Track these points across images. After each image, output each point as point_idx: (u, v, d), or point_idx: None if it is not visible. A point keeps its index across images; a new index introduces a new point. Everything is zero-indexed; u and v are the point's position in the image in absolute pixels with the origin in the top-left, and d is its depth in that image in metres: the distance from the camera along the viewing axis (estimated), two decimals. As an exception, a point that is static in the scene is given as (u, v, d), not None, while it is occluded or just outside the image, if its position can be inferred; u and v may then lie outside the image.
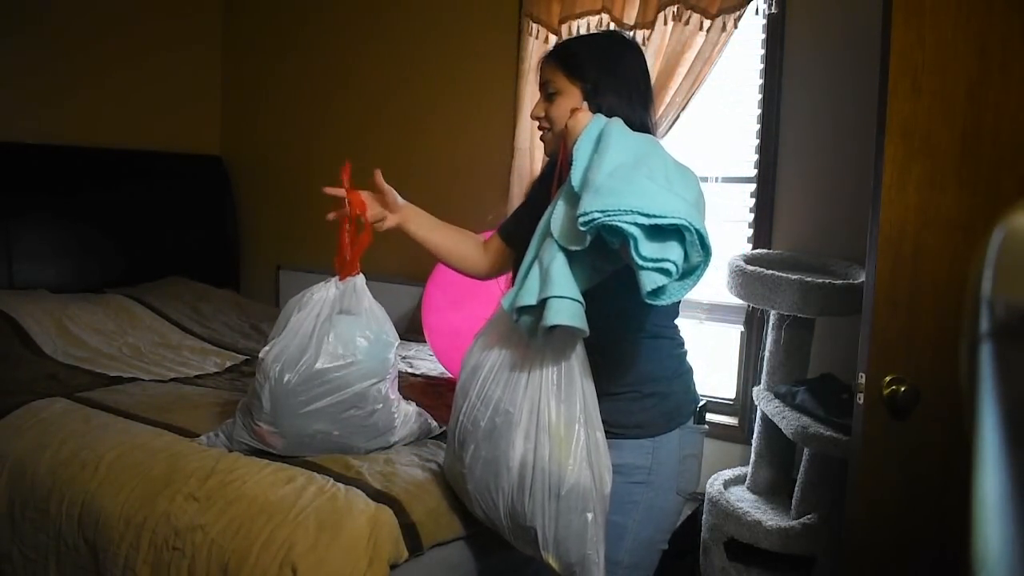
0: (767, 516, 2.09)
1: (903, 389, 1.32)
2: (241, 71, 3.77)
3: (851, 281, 2.04)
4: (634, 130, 1.29)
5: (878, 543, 1.42)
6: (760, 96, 2.45)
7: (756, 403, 2.23)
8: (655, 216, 1.06)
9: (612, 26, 2.49)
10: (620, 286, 1.26)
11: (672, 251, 1.08)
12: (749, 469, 2.30)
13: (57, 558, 1.73)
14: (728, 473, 2.35)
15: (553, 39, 2.61)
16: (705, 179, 2.59)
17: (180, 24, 3.60)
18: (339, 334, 1.62)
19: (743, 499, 2.21)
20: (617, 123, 1.25)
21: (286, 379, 1.59)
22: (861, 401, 1.37)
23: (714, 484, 2.26)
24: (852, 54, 2.26)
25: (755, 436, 2.27)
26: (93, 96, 3.28)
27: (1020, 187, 1.28)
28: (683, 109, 2.41)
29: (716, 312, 2.58)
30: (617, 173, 1.13)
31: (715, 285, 2.34)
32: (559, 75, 1.41)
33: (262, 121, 3.71)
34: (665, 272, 1.08)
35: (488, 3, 2.99)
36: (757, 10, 2.37)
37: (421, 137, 3.22)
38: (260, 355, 1.65)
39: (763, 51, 2.44)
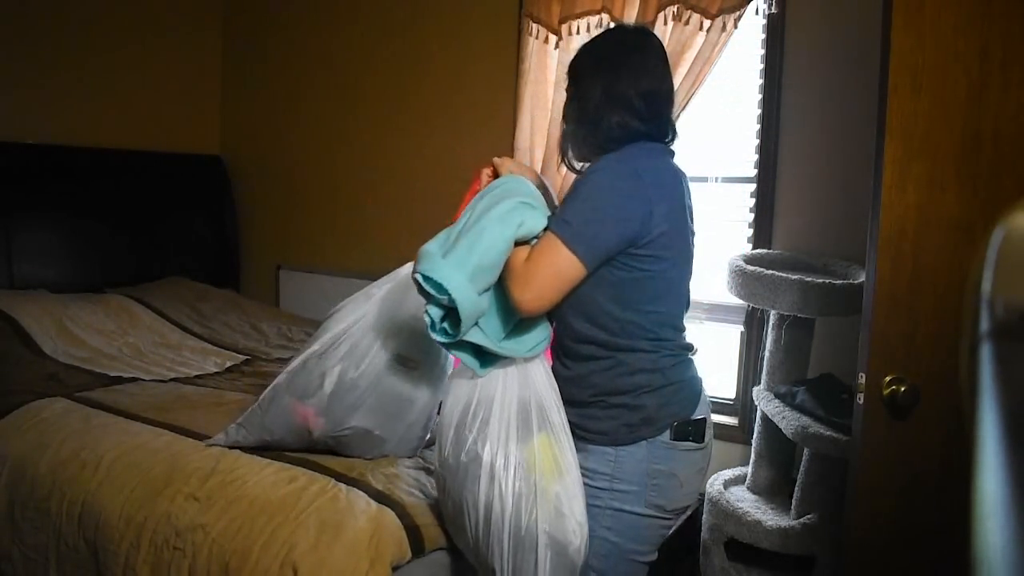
0: (767, 516, 2.09)
1: (903, 389, 1.32)
2: (241, 71, 3.77)
3: (851, 281, 2.04)
4: (598, 141, 1.41)
5: (878, 543, 1.42)
6: (760, 96, 2.45)
7: (756, 403, 2.23)
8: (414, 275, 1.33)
9: (612, 26, 2.49)
10: (588, 300, 1.38)
11: (432, 310, 1.32)
12: (749, 469, 2.30)
13: (57, 558, 1.73)
14: (728, 473, 2.35)
15: (553, 39, 2.61)
16: (705, 179, 2.60)
17: (180, 24, 3.60)
18: (406, 339, 1.62)
19: (743, 499, 2.21)
20: (495, 184, 1.44)
21: (350, 376, 1.60)
22: (861, 401, 1.37)
23: (714, 484, 2.26)
24: (852, 54, 2.26)
25: (755, 436, 2.27)
26: (93, 96, 3.28)
27: (1020, 187, 1.28)
28: (683, 109, 2.41)
29: (716, 312, 2.58)
30: (434, 240, 1.36)
31: (715, 285, 2.34)
32: (570, 78, 1.49)
33: (262, 121, 3.71)
34: (427, 314, 1.32)
35: (488, 3, 2.99)
36: (757, 10, 2.37)
37: (421, 136, 3.22)
38: (321, 343, 1.63)
39: (763, 51, 2.44)
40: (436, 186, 3.18)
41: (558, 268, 1.30)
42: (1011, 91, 1.28)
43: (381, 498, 1.55)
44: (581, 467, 1.38)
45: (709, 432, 1.45)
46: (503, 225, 1.32)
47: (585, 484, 1.38)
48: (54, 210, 3.10)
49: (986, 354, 0.41)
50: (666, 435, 1.38)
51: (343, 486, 1.58)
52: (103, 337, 2.72)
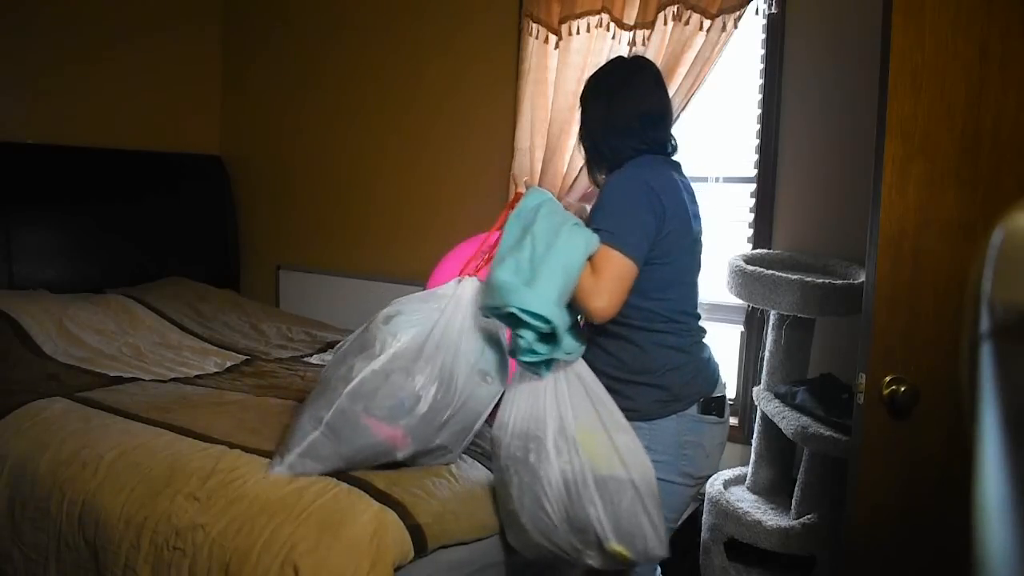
0: (767, 516, 2.09)
1: (903, 389, 1.32)
2: (241, 71, 3.77)
3: (851, 281, 2.04)
4: (607, 160, 1.63)
5: (878, 543, 1.42)
6: (760, 96, 2.45)
7: (756, 403, 2.23)
8: (498, 308, 1.44)
9: (612, 26, 2.50)
10: None
11: (526, 334, 1.43)
12: (749, 469, 2.30)
13: (57, 558, 1.73)
14: (728, 473, 2.35)
15: (553, 39, 2.61)
16: (705, 179, 2.59)
17: (180, 24, 3.60)
18: (483, 354, 1.60)
19: (743, 499, 2.21)
20: (529, 204, 1.53)
21: (442, 396, 1.55)
22: (861, 401, 1.37)
23: (714, 484, 2.26)
24: (852, 54, 2.26)
25: (755, 436, 2.27)
26: (93, 96, 3.28)
27: (1020, 187, 1.28)
28: (683, 109, 2.41)
29: (716, 312, 2.58)
30: (498, 269, 1.45)
31: (715, 285, 2.34)
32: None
33: (262, 121, 3.71)
34: (521, 349, 1.44)
35: (488, 3, 2.99)
36: (757, 10, 2.37)
37: (421, 135, 3.22)
38: (391, 357, 1.54)
39: (763, 51, 2.44)
40: (436, 185, 3.18)
41: (620, 273, 1.46)
42: (1011, 91, 1.28)
43: (383, 497, 1.55)
44: None
45: (727, 409, 1.65)
46: (575, 250, 1.45)
47: None
48: (54, 210, 3.10)
49: (986, 354, 0.42)
50: (694, 409, 1.58)
51: (344, 485, 1.58)
52: (103, 337, 2.72)
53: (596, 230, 1.49)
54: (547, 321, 1.39)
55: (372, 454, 1.59)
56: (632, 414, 1.53)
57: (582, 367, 1.51)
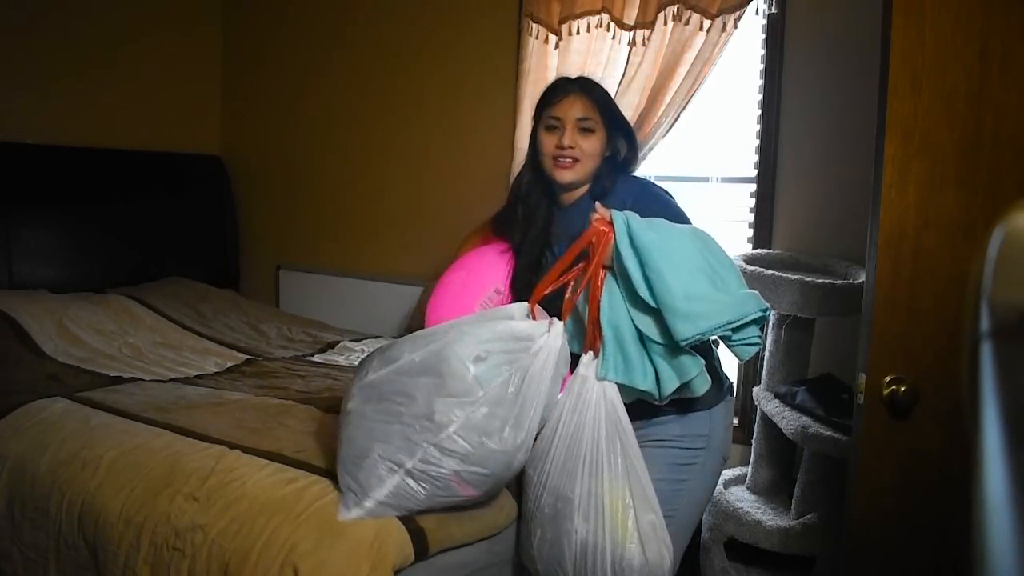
0: (767, 516, 2.09)
1: (903, 389, 1.32)
2: (241, 71, 3.77)
3: (851, 281, 2.04)
4: (625, 165, 1.69)
5: (878, 543, 1.42)
6: (760, 96, 2.45)
7: (756, 403, 2.23)
8: (738, 321, 1.36)
9: (612, 26, 2.50)
10: None
11: (752, 331, 1.39)
12: (749, 469, 2.30)
13: (57, 558, 1.73)
14: (728, 473, 2.35)
15: (553, 39, 2.61)
16: (706, 179, 2.60)
17: (180, 24, 3.60)
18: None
19: (743, 499, 2.21)
20: (635, 222, 1.41)
21: (523, 459, 1.43)
22: (861, 401, 1.37)
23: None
24: (852, 54, 2.26)
25: (755, 436, 2.27)
26: (93, 97, 3.28)
27: (1020, 187, 1.28)
28: (683, 109, 2.41)
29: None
30: (693, 293, 1.34)
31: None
32: (596, 115, 1.64)
33: (262, 121, 3.71)
34: (753, 344, 1.39)
35: (488, 3, 2.99)
36: (757, 10, 2.37)
37: (421, 135, 3.22)
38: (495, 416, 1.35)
39: (763, 51, 2.44)
40: (436, 185, 3.18)
41: None
42: (1011, 91, 1.28)
43: (381, 498, 1.54)
44: (678, 436, 1.55)
45: None
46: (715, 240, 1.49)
47: (684, 448, 1.55)
48: (54, 210, 3.10)
49: (986, 354, 0.41)
50: (731, 394, 1.65)
51: (343, 486, 1.57)
52: (103, 337, 2.72)
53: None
54: (764, 308, 1.39)
55: (448, 504, 1.47)
56: (697, 403, 1.53)
57: (623, 414, 1.41)
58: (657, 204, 1.57)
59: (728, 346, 1.39)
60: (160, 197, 3.44)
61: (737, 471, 2.36)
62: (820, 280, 2.03)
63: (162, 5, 3.51)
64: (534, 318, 1.45)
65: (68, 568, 1.71)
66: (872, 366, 1.35)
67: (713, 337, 1.39)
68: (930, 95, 1.31)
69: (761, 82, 2.44)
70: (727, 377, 1.63)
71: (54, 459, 1.81)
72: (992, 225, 0.44)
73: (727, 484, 2.30)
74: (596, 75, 2.52)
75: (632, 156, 1.71)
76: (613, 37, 2.50)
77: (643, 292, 1.36)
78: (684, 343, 1.33)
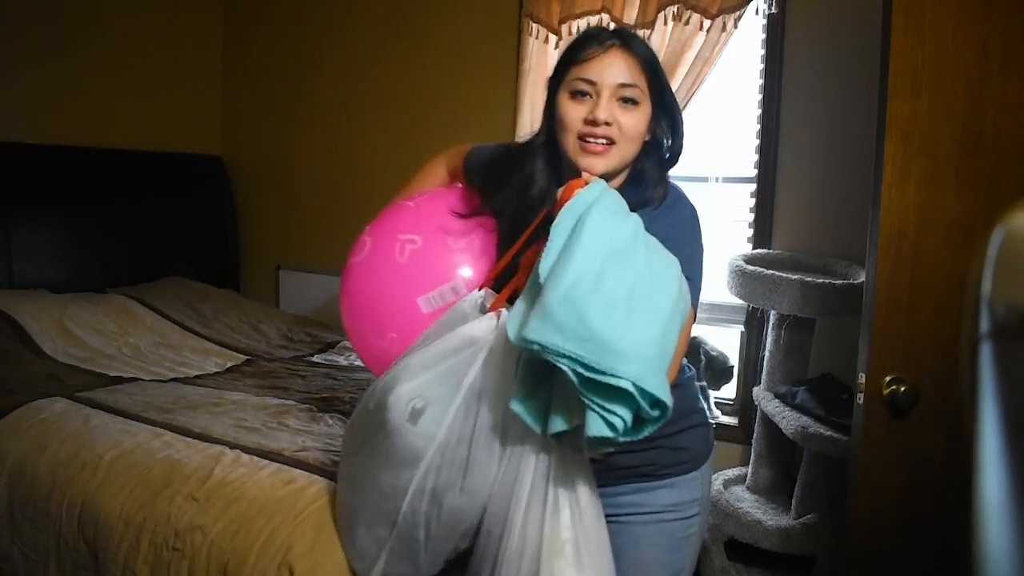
0: (767, 516, 2.09)
1: (903, 389, 1.32)
2: (241, 71, 3.77)
3: (851, 281, 2.04)
4: (671, 160, 1.27)
5: (878, 543, 1.42)
6: (760, 96, 2.45)
7: (756, 403, 2.23)
8: (594, 371, 0.92)
9: (612, 27, 2.49)
10: None
11: (620, 405, 0.93)
12: (749, 469, 2.30)
13: (57, 558, 1.73)
14: (728, 473, 2.35)
15: (553, 39, 2.61)
16: (705, 179, 2.59)
17: (180, 24, 3.59)
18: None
19: (743, 499, 2.21)
20: (605, 203, 1.06)
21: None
22: (861, 401, 1.37)
23: (714, 484, 2.26)
24: (852, 54, 2.26)
25: (755, 436, 2.27)
26: (93, 96, 3.28)
27: (1020, 187, 1.27)
28: (683, 109, 2.41)
29: (716, 312, 2.58)
30: (572, 296, 0.95)
31: (715, 285, 2.34)
32: (644, 81, 1.20)
33: (262, 121, 3.71)
34: (611, 425, 0.93)
35: (488, 3, 2.99)
36: (757, 10, 2.37)
37: (421, 135, 3.22)
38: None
39: (763, 51, 2.44)
40: (436, 186, 3.18)
41: (688, 336, 1.15)
42: (1011, 91, 1.28)
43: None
44: (670, 504, 1.27)
45: None
46: (682, 300, 1.06)
47: (677, 519, 1.28)
48: (54, 210, 3.09)
49: (986, 354, 0.41)
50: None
51: (343, 486, 1.57)
52: (103, 337, 2.72)
53: (689, 280, 1.13)
54: (664, 407, 0.95)
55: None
56: (688, 465, 1.30)
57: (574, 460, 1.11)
58: (689, 247, 1.20)
59: (580, 397, 0.94)
60: (160, 197, 3.44)
61: (737, 471, 2.36)
62: (820, 280, 2.03)
63: (163, 5, 3.50)
64: (493, 310, 1.16)
65: (68, 568, 1.71)
66: (872, 366, 1.35)
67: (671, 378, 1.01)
68: (930, 95, 1.31)
69: (761, 82, 2.44)
70: (709, 411, 1.43)
71: (54, 459, 1.81)
72: (992, 225, 0.44)
73: (727, 484, 2.30)
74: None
75: (678, 148, 1.27)
76: (613, 37, 2.50)
77: (544, 264, 1.01)
78: (514, 342, 1.00)
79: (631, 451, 1.06)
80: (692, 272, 1.17)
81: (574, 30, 2.56)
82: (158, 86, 3.50)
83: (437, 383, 1.12)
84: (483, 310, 1.19)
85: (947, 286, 1.31)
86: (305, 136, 3.56)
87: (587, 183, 1.10)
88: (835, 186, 2.34)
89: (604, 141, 1.17)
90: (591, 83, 1.18)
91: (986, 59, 1.29)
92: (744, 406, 2.54)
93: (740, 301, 2.26)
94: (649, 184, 1.24)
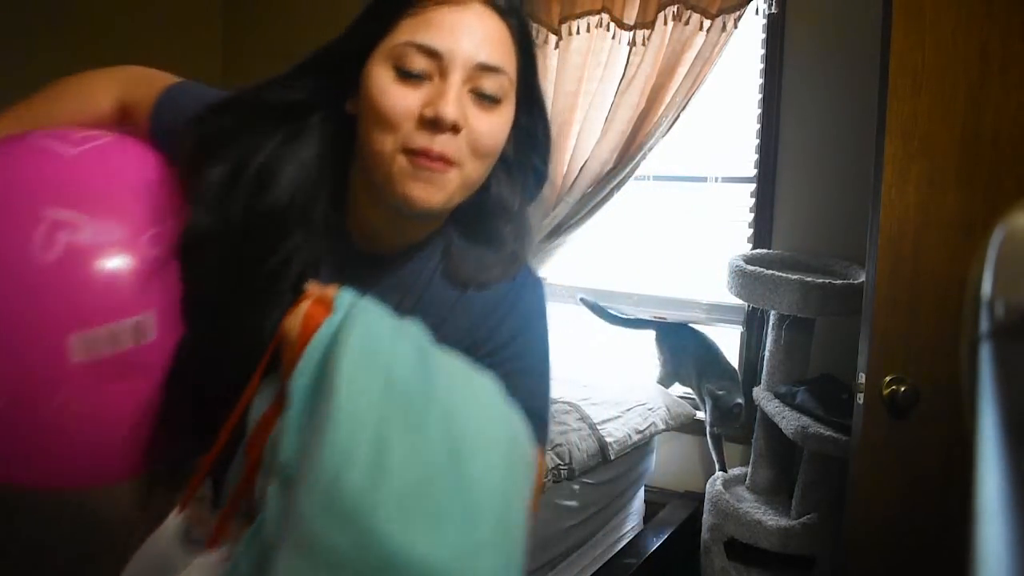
0: (767, 516, 2.09)
1: (903, 389, 1.32)
2: (241, 71, 3.76)
3: (851, 281, 2.04)
4: (536, 189, 0.82)
5: (878, 543, 1.42)
6: (760, 96, 2.45)
7: (756, 403, 2.23)
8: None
9: (612, 26, 2.49)
10: None
11: None
12: (749, 469, 2.30)
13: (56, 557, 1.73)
14: (728, 473, 2.35)
15: (553, 39, 2.61)
16: (705, 179, 2.60)
17: (180, 24, 3.60)
18: None
19: (743, 499, 2.21)
20: (361, 327, 0.65)
21: None
22: (861, 401, 1.37)
23: (714, 484, 2.26)
24: (852, 54, 2.26)
25: (755, 436, 2.27)
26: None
27: (1020, 187, 1.28)
28: (683, 109, 2.41)
29: (716, 312, 2.58)
30: (339, 499, 0.57)
31: (715, 285, 2.34)
32: (513, 67, 0.76)
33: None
34: None
35: (488, 3, 2.99)
36: (757, 10, 2.37)
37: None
38: None
39: (763, 51, 2.44)
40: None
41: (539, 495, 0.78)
42: (1011, 91, 1.28)
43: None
44: None
45: None
46: (519, 482, 0.68)
47: None
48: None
49: (986, 354, 0.41)
50: None
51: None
52: None
53: (526, 411, 0.72)
54: None
55: None
56: None
57: None
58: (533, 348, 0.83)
59: None
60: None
61: (737, 471, 2.36)
62: (820, 280, 2.03)
63: (163, 5, 3.50)
64: (213, 544, 0.67)
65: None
66: (872, 366, 1.35)
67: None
68: (930, 95, 1.31)
69: (761, 82, 2.44)
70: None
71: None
72: (992, 225, 0.44)
73: (727, 484, 2.30)
74: (596, 75, 2.53)
75: (545, 170, 0.84)
76: (613, 37, 2.50)
77: (284, 450, 0.61)
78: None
79: None
80: (537, 397, 0.80)
81: (574, 30, 2.56)
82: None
83: None
84: (189, 542, 0.68)
85: (947, 286, 1.31)
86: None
87: (329, 301, 0.68)
88: (835, 186, 2.34)
89: (441, 160, 0.71)
90: (434, 55, 0.71)
91: (986, 59, 1.29)
92: (744, 406, 2.54)
93: (740, 301, 2.26)
94: (502, 232, 0.80)
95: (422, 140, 0.71)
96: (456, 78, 0.71)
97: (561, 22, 2.60)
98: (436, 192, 0.72)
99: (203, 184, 0.73)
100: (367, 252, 0.81)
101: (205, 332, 0.71)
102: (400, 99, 0.71)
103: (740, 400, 2.24)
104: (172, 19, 3.58)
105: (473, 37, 0.72)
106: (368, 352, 0.63)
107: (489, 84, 0.73)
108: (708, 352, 2.40)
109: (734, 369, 2.39)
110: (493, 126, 0.74)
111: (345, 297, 0.69)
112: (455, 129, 0.71)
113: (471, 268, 0.81)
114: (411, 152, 0.71)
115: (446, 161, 0.72)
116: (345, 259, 0.80)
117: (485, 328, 0.80)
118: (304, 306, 0.68)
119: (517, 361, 0.80)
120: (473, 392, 0.68)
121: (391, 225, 0.79)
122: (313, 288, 0.70)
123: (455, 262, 0.81)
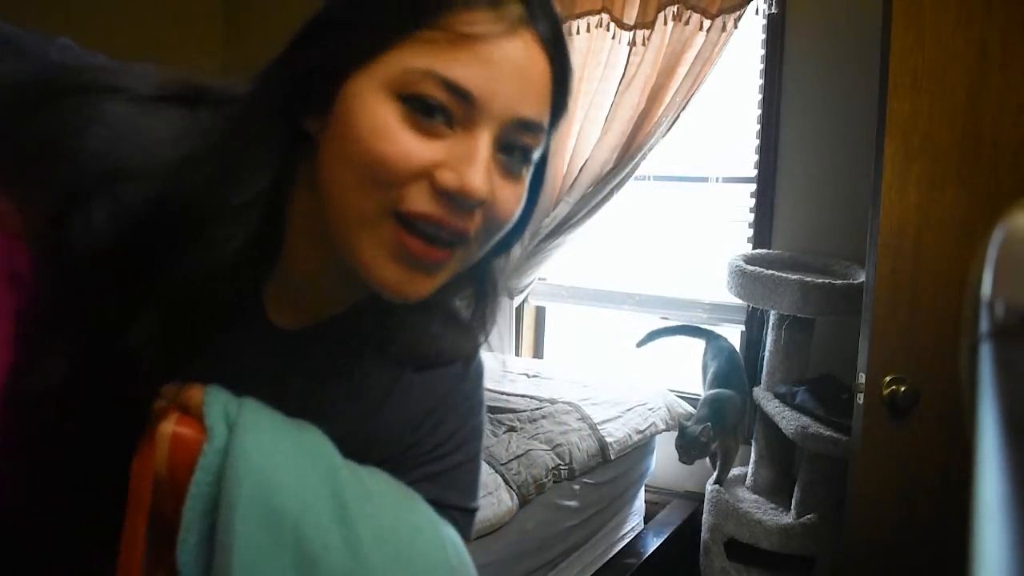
0: (767, 516, 2.09)
1: (903, 389, 1.32)
2: (241, 70, 3.77)
3: (851, 281, 2.04)
4: (507, 244, 0.61)
5: (878, 543, 1.42)
6: (760, 96, 2.45)
7: (756, 403, 2.23)
8: None
9: (612, 26, 2.49)
10: None
11: None
12: (749, 469, 2.30)
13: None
14: (728, 473, 2.35)
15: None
16: (705, 179, 2.60)
17: (180, 24, 3.60)
18: None
19: (743, 499, 2.21)
20: (248, 442, 0.52)
21: None
22: (861, 401, 1.37)
23: (714, 484, 2.26)
24: (852, 54, 2.26)
25: (755, 436, 2.27)
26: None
27: (1020, 187, 1.28)
28: (683, 109, 2.41)
29: (716, 312, 2.58)
30: None
31: (715, 285, 2.34)
32: (547, 118, 0.56)
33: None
34: None
35: (488, 3, 2.99)
36: (757, 10, 2.37)
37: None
38: None
39: (763, 51, 2.44)
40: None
41: None
42: (1011, 91, 1.28)
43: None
44: None
45: None
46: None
47: None
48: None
49: (986, 354, 0.41)
50: None
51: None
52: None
53: (460, 510, 0.68)
54: None
55: None
56: None
57: None
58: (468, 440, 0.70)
59: None
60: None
61: (737, 471, 2.36)
62: (820, 280, 2.03)
63: (163, 6, 3.51)
64: None
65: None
66: (872, 366, 1.35)
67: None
68: (930, 95, 1.31)
69: (761, 82, 2.44)
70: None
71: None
72: (992, 225, 0.44)
73: (727, 484, 2.30)
74: (596, 75, 2.53)
75: (524, 227, 0.61)
76: (613, 37, 2.50)
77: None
78: None
79: None
80: (474, 489, 0.70)
81: (574, 30, 2.55)
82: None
83: None
84: None
85: (947, 286, 1.31)
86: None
87: (198, 414, 0.52)
88: (835, 186, 2.34)
89: (449, 237, 0.52)
90: (465, 97, 0.51)
91: (986, 59, 1.29)
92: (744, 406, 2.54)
93: (740, 301, 2.26)
94: (459, 295, 0.63)
95: (426, 205, 0.50)
96: (487, 136, 0.51)
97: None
98: (427, 282, 0.53)
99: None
100: (279, 324, 0.59)
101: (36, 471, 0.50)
102: (408, 150, 0.50)
103: (699, 438, 2.05)
104: (172, 19, 3.58)
105: (517, 80, 0.51)
106: (267, 507, 0.49)
107: (524, 144, 0.53)
108: (730, 364, 2.29)
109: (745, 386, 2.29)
110: (515, 197, 0.55)
111: (217, 406, 0.51)
112: (481, 200, 0.51)
113: (412, 340, 0.61)
114: (405, 220, 0.50)
115: (447, 246, 0.52)
116: (243, 335, 0.57)
117: (428, 424, 0.64)
118: (166, 428, 0.50)
119: (458, 455, 0.67)
120: (399, 510, 0.57)
121: (329, 289, 0.58)
122: (169, 393, 0.52)
123: (392, 332, 0.60)
